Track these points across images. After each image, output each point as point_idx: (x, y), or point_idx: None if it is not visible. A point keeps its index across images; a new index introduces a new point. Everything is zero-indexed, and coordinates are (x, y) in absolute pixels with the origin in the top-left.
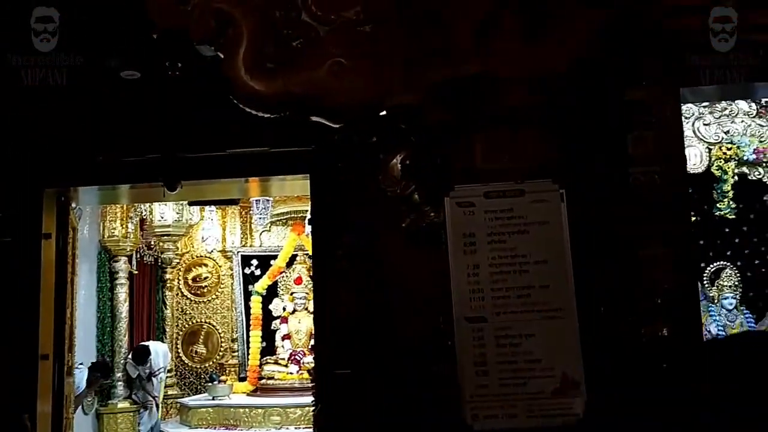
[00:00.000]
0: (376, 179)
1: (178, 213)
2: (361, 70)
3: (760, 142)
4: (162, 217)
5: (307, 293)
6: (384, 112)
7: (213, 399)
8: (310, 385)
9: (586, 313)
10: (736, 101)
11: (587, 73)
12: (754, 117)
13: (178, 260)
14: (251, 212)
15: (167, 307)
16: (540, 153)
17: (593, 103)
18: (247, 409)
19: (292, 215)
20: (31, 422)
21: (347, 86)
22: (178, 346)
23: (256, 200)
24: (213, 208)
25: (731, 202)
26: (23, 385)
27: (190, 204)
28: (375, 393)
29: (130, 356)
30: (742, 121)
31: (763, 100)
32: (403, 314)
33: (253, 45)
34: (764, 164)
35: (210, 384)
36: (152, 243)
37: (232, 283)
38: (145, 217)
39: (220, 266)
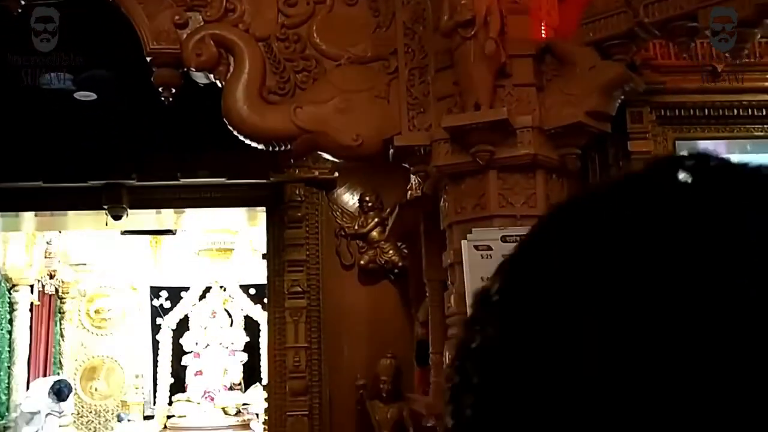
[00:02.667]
0: (333, 214)
1: (95, 240)
2: (368, 107)
3: None
4: (78, 246)
5: (221, 327)
6: (391, 151)
7: None
8: (224, 423)
9: None
10: None
11: (597, 125)
12: None
13: (84, 292)
14: (177, 241)
15: (65, 339)
16: (554, 199)
17: (600, 153)
18: None
19: (209, 246)
20: None
21: (353, 124)
22: (76, 381)
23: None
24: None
25: None
26: None
27: (123, 233)
28: None
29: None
30: None
31: None
32: (357, 350)
33: (254, 75)
34: None
35: (118, 423)
36: (54, 272)
37: (138, 316)
38: (50, 243)
39: (125, 297)
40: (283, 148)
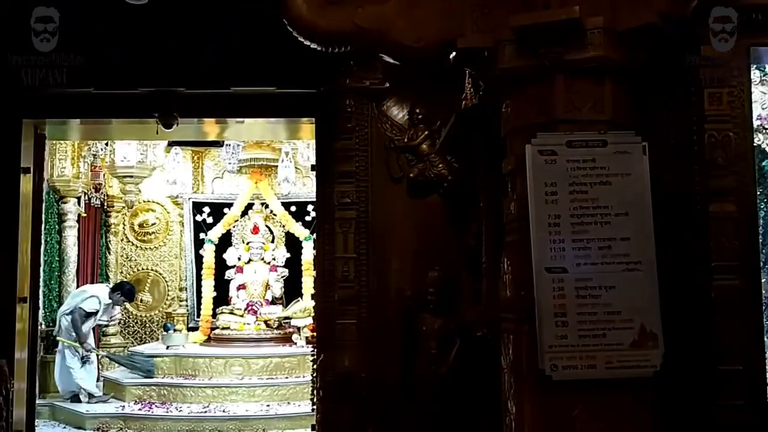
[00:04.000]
0: (382, 127)
1: (142, 153)
2: (431, 7)
3: (762, 108)
4: (125, 158)
5: (263, 243)
6: (453, 54)
7: (168, 348)
8: (267, 336)
9: (661, 267)
10: None
11: (669, 28)
12: (756, 84)
13: (132, 204)
14: (219, 157)
15: (111, 252)
16: (621, 105)
17: (672, 58)
18: (206, 359)
19: (251, 162)
20: (9, 368)
21: (415, 24)
22: None
23: (227, 144)
24: (178, 150)
25: None
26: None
27: (171, 144)
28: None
29: (118, 294)
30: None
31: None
32: (405, 262)
33: None
34: (765, 131)
35: (165, 333)
36: (100, 185)
37: (181, 230)
38: (97, 156)
39: (168, 212)
40: (342, 49)
